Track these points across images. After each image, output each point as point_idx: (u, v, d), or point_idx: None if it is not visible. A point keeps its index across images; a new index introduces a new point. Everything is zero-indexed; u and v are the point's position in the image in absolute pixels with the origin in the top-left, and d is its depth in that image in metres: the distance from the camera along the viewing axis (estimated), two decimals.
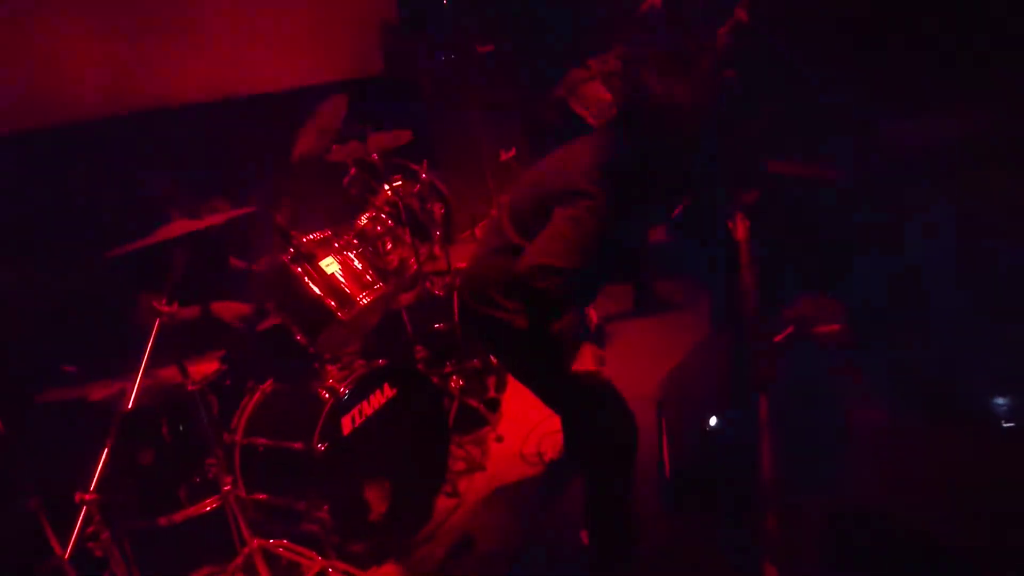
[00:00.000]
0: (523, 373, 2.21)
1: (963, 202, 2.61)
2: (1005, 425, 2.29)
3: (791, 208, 3.15)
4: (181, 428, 2.41)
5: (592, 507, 2.23)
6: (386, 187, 2.85)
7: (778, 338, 2.74)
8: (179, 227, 2.15)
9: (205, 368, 2.50)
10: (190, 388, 2.20)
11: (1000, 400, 2.39)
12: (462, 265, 3.49)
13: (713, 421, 2.42)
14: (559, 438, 2.91)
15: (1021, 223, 2.48)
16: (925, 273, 2.69)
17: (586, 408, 2.09)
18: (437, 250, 3.33)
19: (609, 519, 2.21)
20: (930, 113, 2.92)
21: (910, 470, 2.14)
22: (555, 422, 2.92)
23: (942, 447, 2.19)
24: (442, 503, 2.75)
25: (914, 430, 2.34)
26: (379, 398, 2.50)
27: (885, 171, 2.92)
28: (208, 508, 2.30)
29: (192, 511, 2.31)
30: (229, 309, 2.70)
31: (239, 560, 2.26)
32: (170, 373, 2.32)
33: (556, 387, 2.11)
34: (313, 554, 2.31)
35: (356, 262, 2.58)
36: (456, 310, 3.28)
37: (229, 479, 2.25)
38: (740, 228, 2.69)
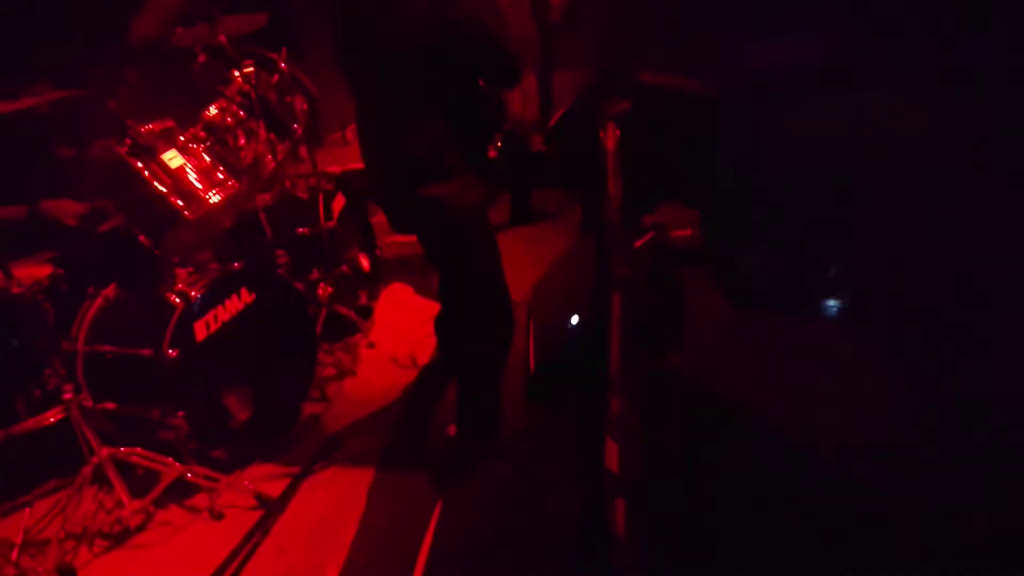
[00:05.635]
0: (443, 251, 2.19)
1: (824, 122, 2.77)
2: (830, 304, 2.56)
3: (660, 119, 3.22)
4: (15, 340, 2.24)
5: (462, 400, 2.31)
6: (237, 74, 2.62)
7: (638, 243, 2.87)
8: None
9: (35, 272, 2.30)
10: (15, 291, 2.02)
11: (832, 302, 2.65)
12: (332, 169, 3.36)
13: (574, 320, 2.53)
14: (433, 342, 2.94)
15: (884, 143, 2.66)
16: (784, 186, 2.87)
17: (489, 298, 2.18)
18: (303, 151, 3.16)
19: (476, 410, 2.31)
20: (794, 33, 3.03)
21: (751, 354, 2.39)
22: (429, 328, 2.94)
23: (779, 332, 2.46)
24: (309, 408, 2.73)
25: (756, 317, 2.58)
26: (236, 303, 2.39)
27: (748, 88, 3.03)
28: (50, 420, 2.18)
29: (32, 424, 2.19)
30: (62, 207, 2.46)
31: (87, 471, 2.17)
32: None
33: (471, 273, 2.17)
34: (170, 460, 2.25)
35: (204, 157, 2.40)
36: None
37: (70, 387, 2.13)
38: (611, 137, 2.73)
